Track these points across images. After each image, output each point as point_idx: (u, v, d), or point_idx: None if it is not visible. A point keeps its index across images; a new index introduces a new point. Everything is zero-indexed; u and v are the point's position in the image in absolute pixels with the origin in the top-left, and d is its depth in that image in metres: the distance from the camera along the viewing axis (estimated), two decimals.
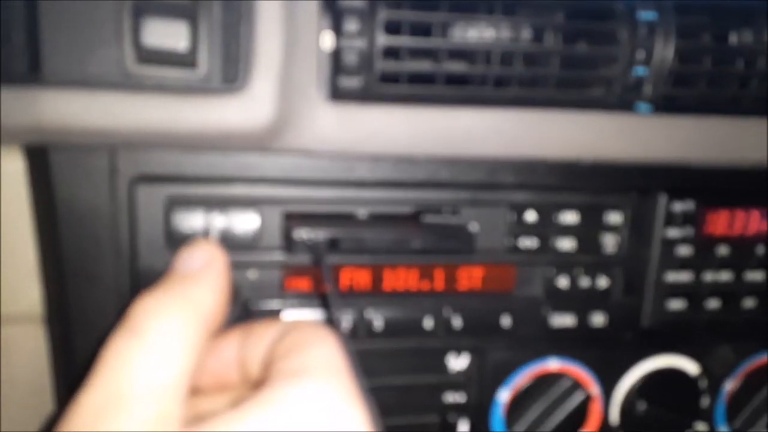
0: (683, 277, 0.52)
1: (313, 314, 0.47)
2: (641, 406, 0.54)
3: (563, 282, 0.51)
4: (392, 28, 0.41)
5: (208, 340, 0.32)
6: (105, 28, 0.37)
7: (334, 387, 0.30)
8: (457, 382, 0.51)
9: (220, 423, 0.28)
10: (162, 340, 0.30)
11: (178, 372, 0.29)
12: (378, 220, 0.47)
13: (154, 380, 0.28)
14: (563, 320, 0.51)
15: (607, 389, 0.55)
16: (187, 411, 0.33)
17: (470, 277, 0.49)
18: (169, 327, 0.30)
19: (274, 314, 0.46)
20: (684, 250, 0.51)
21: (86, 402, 0.28)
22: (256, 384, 0.34)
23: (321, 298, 0.47)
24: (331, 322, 0.42)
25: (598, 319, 0.51)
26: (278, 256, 0.45)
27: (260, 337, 0.35)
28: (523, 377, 0.53)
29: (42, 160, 0.41)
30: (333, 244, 0.45)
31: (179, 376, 0.29)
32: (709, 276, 0.53)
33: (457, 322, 0.49)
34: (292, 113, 0.42)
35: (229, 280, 0.35)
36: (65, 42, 0.37)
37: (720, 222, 0.52)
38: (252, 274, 0.46)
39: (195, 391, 0.37)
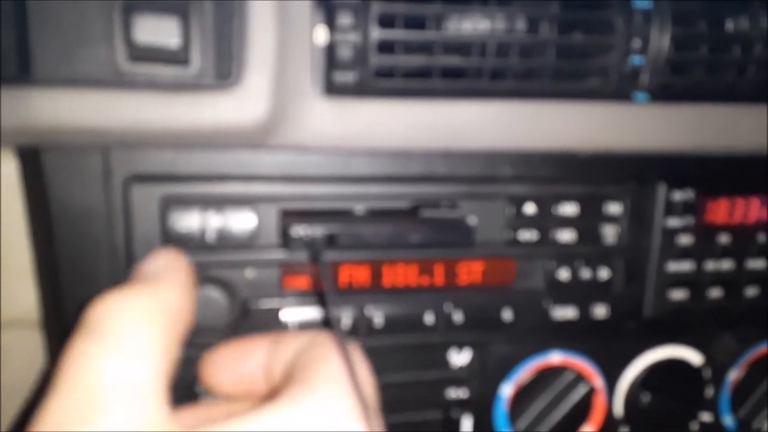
0: (684, 266, 0.52)
1: (311, 313, 0.46)
2: (645, 397, 0.54)
3: (564, 274, 0.50)
4: (386, 22, 0.41)
5: (178, 338, 0.31)
6: (95, 26, 0.37)
7: (342, 402, 0.30)
8: (460, 377, 0.51)
9: (217, 426, 0.28)
10: (128, 338, 0.28)
11: (151, 370, 0.28)
12: (376, 215, 0.46)
13: (127, 380, 0.27)
14: (565, 313, 0.51)
15: (611, 381, 0.54)
16: (201, 414, 0.33)
17: (470, 271, 0.49)
18: (132, 325, 0.28)
19: (273, 313, 0.45)
20: (684, 239, 0.51)
21: (56, 408, 0.26)
22: (274, 392, 0.33)
23: (320, 296, 0.47)
24: (329, 320, 0.42)
25: (600, 310, 0.51)
26: (276, 254, 0.45)
27: (287, 347, 0.35)
28: (525, 371, 0.52)
29: (35, 161, 0.41)
30: (331, 241, 0.44)
31: (153, 373, 0.28)
32: (710, 265, 0.52)
33: (458, 316, 0.49)
34: (287, 109, 0.41)
35: (192, 279, 0.34)
36: (55, 41, 0.36)
37: (720, 210, 0.51)
38: (249, 273, 0.45)
39: (225, 398, 0.38)
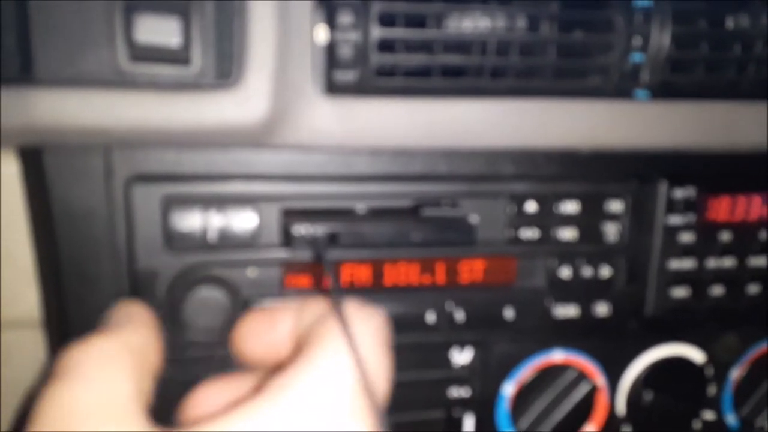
0: (686, 264, 0.52)
1: None
2: (648, 395, 0.54)
3: (565, 272, 0.50)
4: (387, 21, 0.41)
5: (146, 373, 0.32)
6: (97, 26, 0.37)
7: (337, 385, 0.29)
8: (462, 376, 0.51)
9: (210, 425, 0.28)
10: (94, 374, 0.29)
11: (119, 395, 0.29)
12: (377, 214, 0.46)
13: (97, 407, 0.28)
14: (566, 311, 0.51)
15: (613, 380, 0.54)
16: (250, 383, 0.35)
17: (471, 269, 0.49)
18: (97, 363, 0.30)
19: None
20: (686, 237, 0.51)
21: None
22: (290, 356, 0.34)
23: (321, 295, 0.47)
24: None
25: (601, 308, 0.51)
26: (277, 254, 0.45)
27: (310, 314, 0.35)
28: (527, 370, 0.52)
29: (36, 162, 0.41)
30: (332, 240, 0.44)
31: (122, 397, 0.29)
32: (712, 263, 0.52)
33: (459, 315, 0.49)
34: (288, 108, 0.41)
35: (153, 321, 0.35)
36: (57, 41, 0.37)
37: (722, 208, 0.51)
38: (251, 272, 0.45)
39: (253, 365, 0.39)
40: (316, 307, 0.35)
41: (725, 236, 0.52)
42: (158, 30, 0.37)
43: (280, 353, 0.37)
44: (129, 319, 0.35)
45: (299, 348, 0.32)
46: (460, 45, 0.42)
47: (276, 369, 0.32)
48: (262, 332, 0.38)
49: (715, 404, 0.57)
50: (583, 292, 0.51)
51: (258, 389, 0.30)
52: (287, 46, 0.40)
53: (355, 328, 0.32)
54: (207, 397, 0.38)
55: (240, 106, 0.40)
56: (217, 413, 0.28)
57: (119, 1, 0.37)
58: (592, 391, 0.52)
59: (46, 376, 0.30)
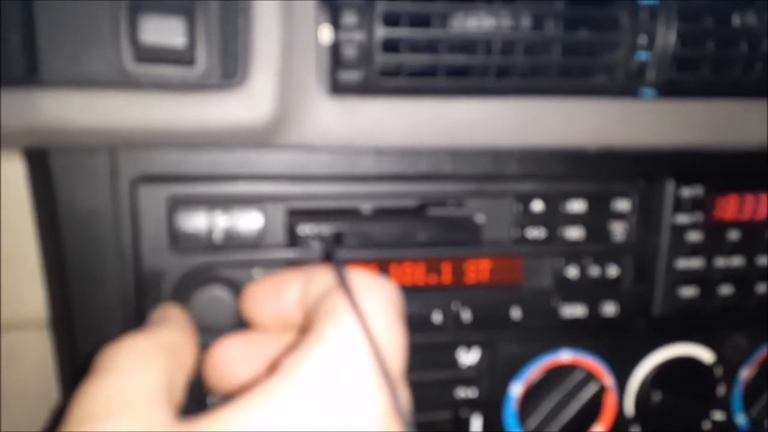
0: (694, 263, 0.51)
1: None
2: (656, 396, 0.54)
3: (572, 272, 0.50)
4: (391, 20, 0.41)
5: (180, 372, 0.33)
6: (102, 27, 0.37)
7: (351, 371, 0.29)
8: (469, 376, 0.51)
9: (214, 423, 0.28)
10: (127, 367, 0.31)
11: (149, 388, 0.30)
12: (383, 214, 0.46)
13: (126, 396, 0.29)
14: (574, 311, 0.50)
15: (621, 380, 0.54)
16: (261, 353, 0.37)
17: (478, 269, 0.49)
18: (131, 357, 0.31)
19: None
20: (694, 236, 0.51)
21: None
22: (302, 329, 0.34)
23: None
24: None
25: (609, 308, 0.51)
26: (283, 254, 0.45)
27: (318, 283, 0.35)
28: (535, 370, 0.52)
29: (42, 163, 0.41)
30: (338, 240, 0.44)
31: (151, 390, 0.30)
32: (720, 262, 0.52)
33: (466, 315, 0.48)
34: (293, 108, 0.41)
35: (189, 324, 0.37)
36: (62, 42, 0.37)
37: (729, 207, 0.51)
38: (257, 273, 0.45)
39: (263, 331, 0.39)
40: (324, 275, 0.35)
41: (733, 235, 0.52)
42: (163, 31, 0.37)
43: (289, 319, 0.37)
44: (165, 320, 0.37)
45: (309, 320, 0.32)
46: (465, 44, 0.42)
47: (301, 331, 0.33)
48: (270, 299, 0.38)
49: (724, 404, 0.57)
50: (590, 291, 0.51)
51: (272, 367, 0.30)
52: (292, 46, 0.40)
53: (364, 300, 0.31)
54: (228, 355, 0.39)
55: (245, 106, 0.40)
56: (233, 397, 0.29)
57: (124, 1, 0.37)
58: (600, 392, 0.52)
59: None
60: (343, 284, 0.32)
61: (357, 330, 0.30)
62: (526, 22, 0.43)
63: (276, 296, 0.37)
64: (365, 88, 0.42)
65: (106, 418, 0.27)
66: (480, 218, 0.48)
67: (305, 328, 0.33)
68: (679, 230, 0.50)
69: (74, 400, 0.29)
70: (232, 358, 0.39)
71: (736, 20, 0.46)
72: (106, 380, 0.30)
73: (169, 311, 0.38)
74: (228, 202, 0.43)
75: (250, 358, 0.38)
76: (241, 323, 0.44)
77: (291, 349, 0.30)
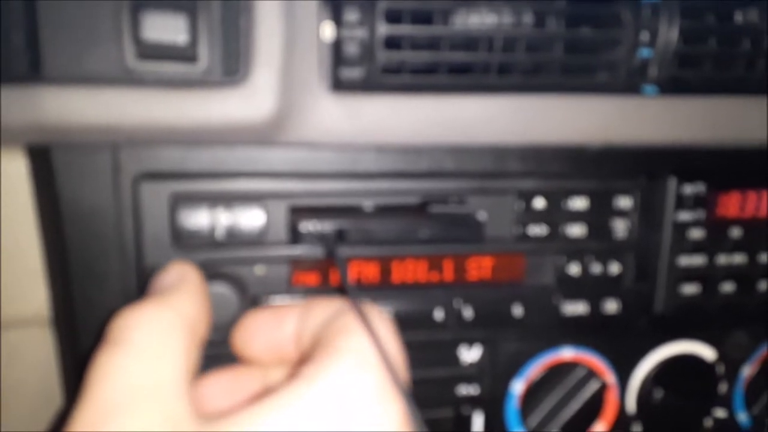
0: (696, 260, 0.51)
1: None
2: (658, 393, 0.54)
3: (574, 269, 0.50)
4: (393, 18, 0.41)
5: (196, 344, 0.32)
6: (104, 24, 0.37)
7: (367, 375, 0.30)
8: (470, 374, 0.51)
9: (235, 422, 0.28)
10: (147, 346, 0.30)
11: (171, 372, 0.29)
12: (384, 211, 0.46)
13: (149, 383, 0.28)
14: (575, 308, 0.50)
15: (623, 377, 0.54)
16: (255, 384, 0.36)
17: (480, 267, 0.49)
18: (151, 335, 0.30)
19: None
20: (696, 234, 0.51)
21: (84, 415, 0.28)
22: (301, 361, 0.34)
23: (330, 293, 0.47)
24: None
25: (610, 305, 0.51)
26: (285, 251, 0.45)
27: (316, 315, 0.35)
28: (536, 367, 0.52)
29: (44, 160, 0.41)
30: (340, 237, 0.44)
31: (173, 375, 0.29)
32: (722, 259, 0.52)
33: (467, 313, 0.48)
34: (295, 105, 0.41)
35: (205, 289, 0.36)
36: (65, 39, 0.37)
37: (732, 204, 0.51)
38: (259, 270, 0.45)
39: (251, 365, 0.39)
40: (325, 307, 0.36)
41: (735, 232, 0.52)
42: (165, 27, 0.37)
43: (282, 352, 0.37)
44: (182, 283, 0.35)
45: (317, 343, 0.33)
46: (467, 41, 0.42)
47: (297, 363, 0.33)
48: (268, 330, 0.38)
49: (726, 402, 0.57)
50: (592, 289, 0.51)
51: (266, 391, 0.30)
52: (294, 43, 0.40)
53: (371, 320, 0.33)
54: (211, 390, 0.39)
55: (247, 103, 0.40)
56: (252, 402, 0.29)
57: None
58: (602, 389, 0.52)
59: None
60: (355, 306, 0.34)
61: (370, 345, 0.31)
62: (527, 19, 0.43)
63: (274, 327, 0.37)
64: (367, 86, 0.42)
65: (128, 408, 0.27)
66: (482, 215, 0.48)
67: (303, 359, 0.33)
68: (680, 227, 0.50)
69: (92, 377, 0.28)
70: (215, 393, 0.39)
71: (738, 17, 0.46)
72: (126, 359, 0.29)
73: (185, 272, 0.37)
74: (230, 199, 0.43)
75: (231, 392, 0.39)
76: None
77: (290, 376, 0.31)
